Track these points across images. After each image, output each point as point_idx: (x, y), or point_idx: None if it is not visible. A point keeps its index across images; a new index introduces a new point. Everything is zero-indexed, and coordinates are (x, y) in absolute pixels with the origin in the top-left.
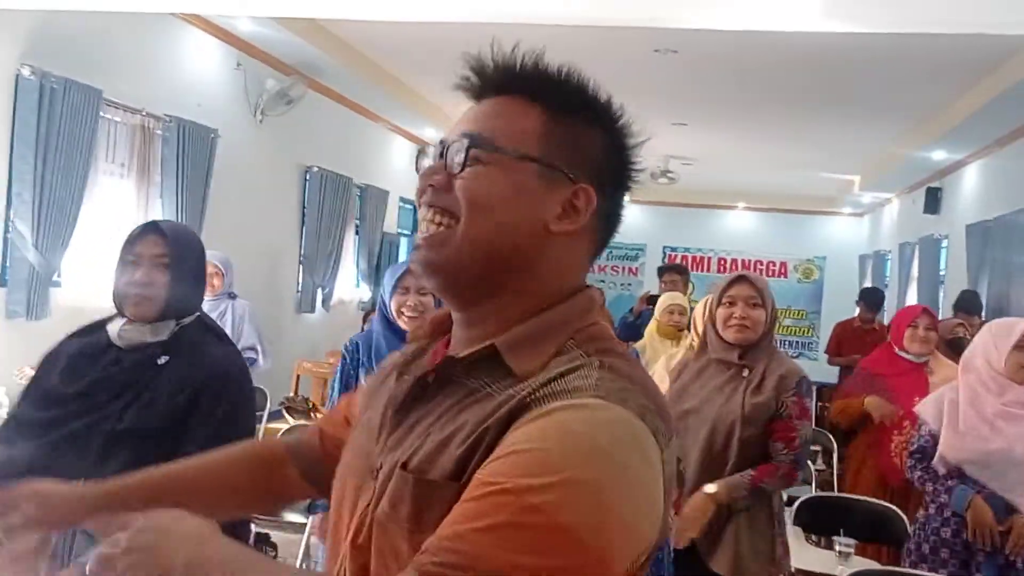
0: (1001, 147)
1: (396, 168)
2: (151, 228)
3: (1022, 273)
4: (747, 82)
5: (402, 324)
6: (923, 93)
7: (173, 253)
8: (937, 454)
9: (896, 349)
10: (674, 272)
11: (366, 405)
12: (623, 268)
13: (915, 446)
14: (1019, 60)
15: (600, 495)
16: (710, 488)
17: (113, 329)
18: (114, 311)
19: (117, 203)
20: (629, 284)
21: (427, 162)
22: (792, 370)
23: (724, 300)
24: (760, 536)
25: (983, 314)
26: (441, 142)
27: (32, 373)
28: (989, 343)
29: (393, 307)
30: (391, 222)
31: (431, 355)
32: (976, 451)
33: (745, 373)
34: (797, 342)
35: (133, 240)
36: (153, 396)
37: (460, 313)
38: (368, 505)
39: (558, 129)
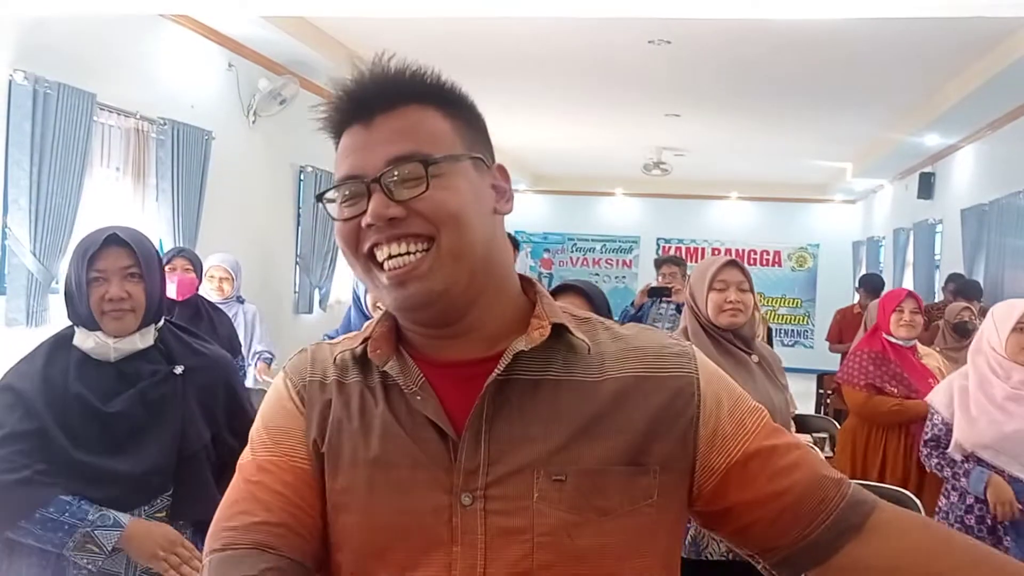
0: (994, 130)
1: None
2: (113, 240)
3: (1018, 256)
4: (739, 72)
5: (374, 314)
6: (914, 78)
7: (142, 263)
8: (952, 441)
9: (885, 334)
10: (672, 264)
11: (333, 450)
12: (617, 261)
13: (929, 435)
14: (1010, 42)
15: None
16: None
17: (88, 345)
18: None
19: (114, 207)
20: (624, 277)
21: (351, 207)
22: (773, 354)
23: (715, 285)
24: None
25: (981, 298)
26: (359, 179)
27: None
28: (991, 327)
29: (369, 303)
30: None
31: (441, 370)
32: (990, 435)
33: (754, 359)
34: (792, 330)
35: (92, 256)
36: (191, 410)
37: (446, 328)
38: (499, 525)
39: (456, 122)
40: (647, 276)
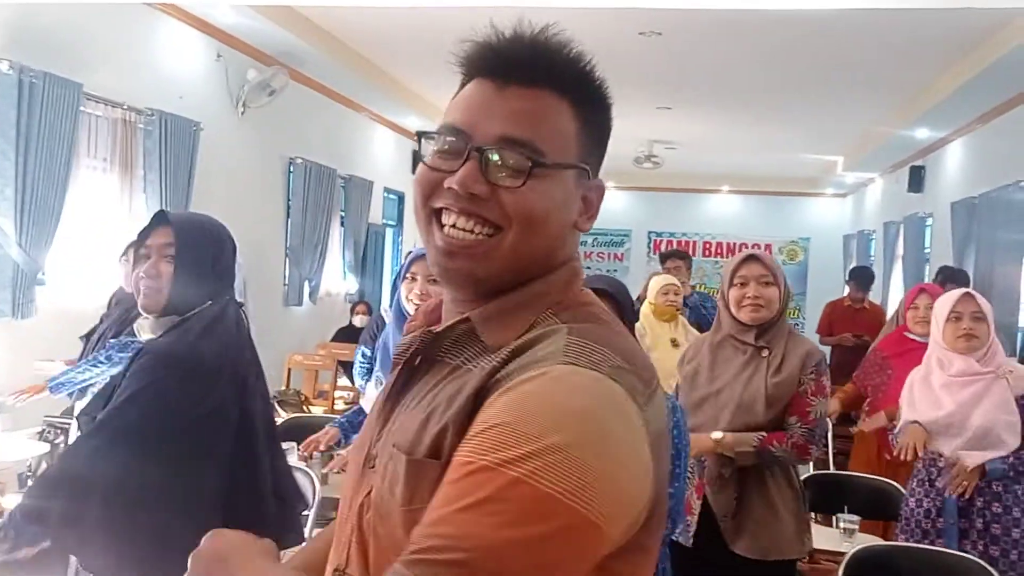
0: (984, 124)
1: (380, 158)
2: (159, 219)
3: (1008, 249)
4: (730, 64)
5: (410, 310)
6: (905, 72)
7: (179, 244)
8: (898, 425)
9: (905, 332)
10: (676, 258)
11: None
12: (608, 254)
13: (897, 429)
14: (1000, 36)
15: (579, 457)
16: (717, 434)
17: (136, 324)
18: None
19: (100, 198)
20: (615, 270)
21: (444, 160)
22: (813, 349)
23: (736, 281)
24: (789, 517)
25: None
26: (465, 136)
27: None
28: (934, 320)
29: (403, 293)
30: (376, 213)
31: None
32: (925, 420)
33: (765, 354)
34: None
35: (145, 233)
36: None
37: (471, 303)
38: (368, 494)
39: (586, 128)
40: (638, 269)
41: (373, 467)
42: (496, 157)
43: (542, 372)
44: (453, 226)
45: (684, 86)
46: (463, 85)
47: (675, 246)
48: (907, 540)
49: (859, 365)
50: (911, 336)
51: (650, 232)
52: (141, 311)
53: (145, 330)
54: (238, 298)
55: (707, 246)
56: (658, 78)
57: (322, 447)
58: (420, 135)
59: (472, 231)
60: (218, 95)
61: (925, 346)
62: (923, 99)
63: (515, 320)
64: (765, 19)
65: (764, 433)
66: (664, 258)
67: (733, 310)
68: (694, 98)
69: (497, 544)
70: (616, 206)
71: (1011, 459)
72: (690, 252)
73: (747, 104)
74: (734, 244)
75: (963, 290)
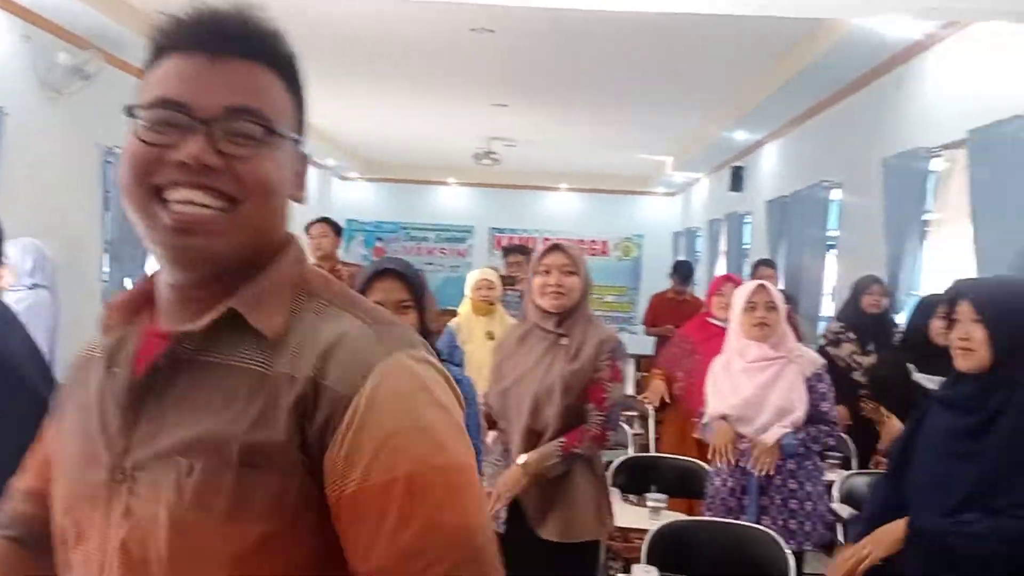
0: (795, 127)
1: None
2: None
3: (814, 244)
4: (563, 63)
5: None
6: (725, 75)
7: None
8: (706, 412)
9: (708, 317)
10: (518, 253)
11: (62, 416)
12: (451, 250)
13: (705, 419)
14: (807, 44)
15: (455, 420)
16: (521, 459)
17: None
18: None
19: None
20: (457, 266)
21: (162, 135)
22: (609, 336)
23: (540, 269)
24: (587, 500)
25: (782, 282)
26: (185, 109)
27: None
28: (731, 308)
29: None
30: None
31: (143, 340)
32: (729, 404)
33: (563, 342)
34: (619, 317)
35: None
36: None
37: (196, 291)
38: (134, 512)
39: (295, 102)
40: (482, 265)
41: (127, 478)
42: (227, 127)
43: (383, 371)
44: (187, 202)
45: (519, 84)
46: (155, 59)
47: (517, 242)
48: (713, 517)
49: (662, 350)
50: (714, 322)
51: (492, 228)
52: None
53: None
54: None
55: (547, 242)
56: (492, 75)
57: None
58: (130, 109)
59: (208, 205)
60: (25, 79)
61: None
62: (741, 102)
63: (277, 304)
64: (593, 19)
65: (563, 439)
66: (506, 253)
67: (536, 298)
68: (530, 96)
69: (474, 524)
70: (458, 202)
71: (802, 435)
72: (532, 248)
73: (581, 103)
74: (573, 240)
75: (757, 282)
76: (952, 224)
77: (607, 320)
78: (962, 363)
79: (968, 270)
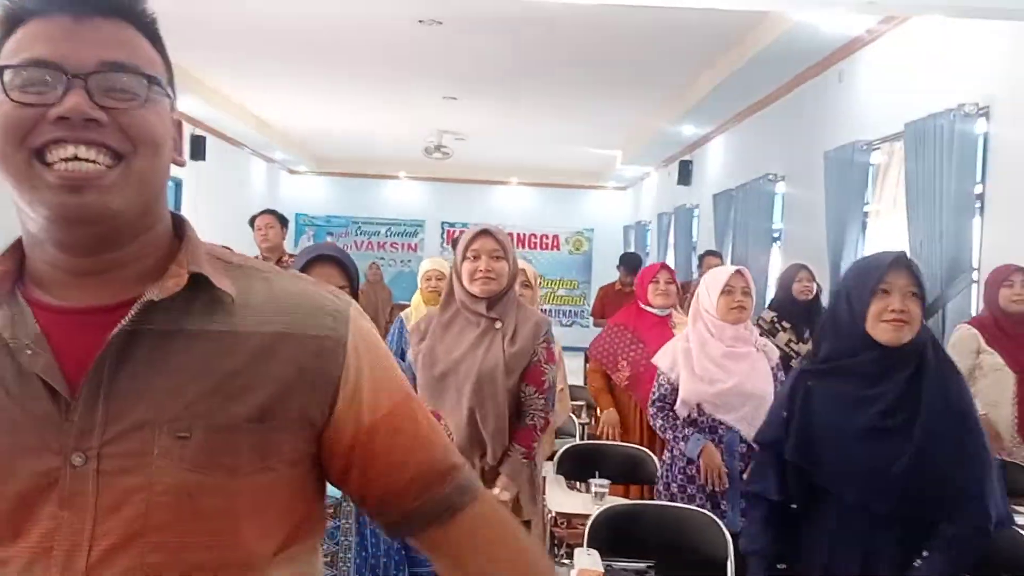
0: (739, 121)
1: None
2: None
3: (759, 235)
4: (513, 56)
5: None
6: (672, 70)
7: None
8: (679, 399)
9: (641, 305)
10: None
11: None
12: (402, 244)
13: (656, 395)
14: (751, 38)
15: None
16: (504, 495)
17: None
18: None
19: None
20: (409, 260)
21: (36, 95)
22: (541, 320)
23: (468, 254)
24: (521, 481)
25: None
26: (57, 68)
27: None
28: (705, 293)
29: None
30: None
31: (61, 318)
32: (712, 391)
33: (498, 325)
34: (571, 311)
35: None
36: None
37: (95, 257)
38: (115, 488)
39: (164, 61)
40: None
41: (99, 465)
42: (105, 81)
43: (355, 322)
44: (72, 159)
45: (469, 77)
46: (12, 28)
47: None
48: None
49: (596, 341)
50: (650, 309)
51: (443, 222)
52: None
53: None
54: None
55: (474, 227)
56: (441, 68)
57: None
58: (23, 70)
59: (94, 161)
60: None
61: (665, 319)
62: (687, 97)
63: (219, 269)
64: (539, 12)
65: (521, 447)
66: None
67: (466, 282)
68: (480, 89)
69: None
70: (409, 196)
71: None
72: None
73: (531, 97)
74: (524, 235)
75: (735, 267)
76: (889, 215)
77: (560, 315)
78: (895, 335)
79: None
